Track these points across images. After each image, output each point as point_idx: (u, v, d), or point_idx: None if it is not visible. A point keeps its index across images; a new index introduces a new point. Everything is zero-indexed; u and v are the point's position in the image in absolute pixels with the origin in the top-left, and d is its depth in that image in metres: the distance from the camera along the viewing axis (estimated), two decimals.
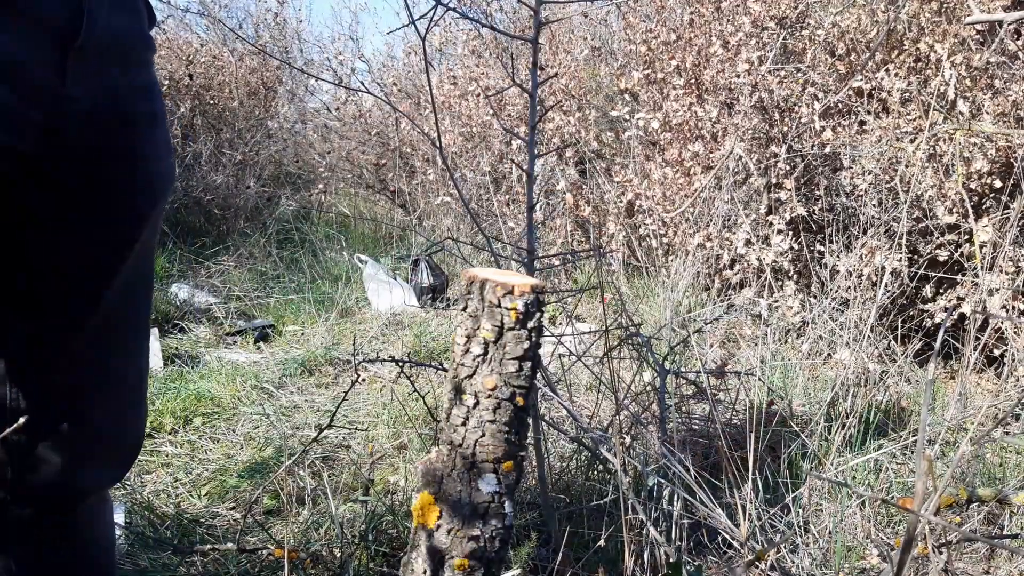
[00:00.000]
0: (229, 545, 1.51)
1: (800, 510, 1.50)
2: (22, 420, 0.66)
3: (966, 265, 2.70)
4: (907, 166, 2.69)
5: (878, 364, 2.32)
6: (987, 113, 2.60)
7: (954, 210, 2.65)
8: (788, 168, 2.99)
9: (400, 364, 1.57)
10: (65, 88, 0.74)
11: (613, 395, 1.59)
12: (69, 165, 0.76)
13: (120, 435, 0.91)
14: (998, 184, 2.63)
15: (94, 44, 0.75)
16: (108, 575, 0.99)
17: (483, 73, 4.46)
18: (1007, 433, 2.11)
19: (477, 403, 0.57)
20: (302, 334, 3.16)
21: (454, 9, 1.42)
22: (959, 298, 2.70)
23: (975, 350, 2.06)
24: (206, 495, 1.83)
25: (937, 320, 2.74)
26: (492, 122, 4.24)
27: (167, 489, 1.86)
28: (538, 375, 0.70)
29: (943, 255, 2.74)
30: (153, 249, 0.92)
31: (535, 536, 1.43)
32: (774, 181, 2.99)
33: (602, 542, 1.33)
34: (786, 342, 2.84)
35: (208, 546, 1.56)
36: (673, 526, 1.33)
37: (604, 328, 1.61)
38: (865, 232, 2.77)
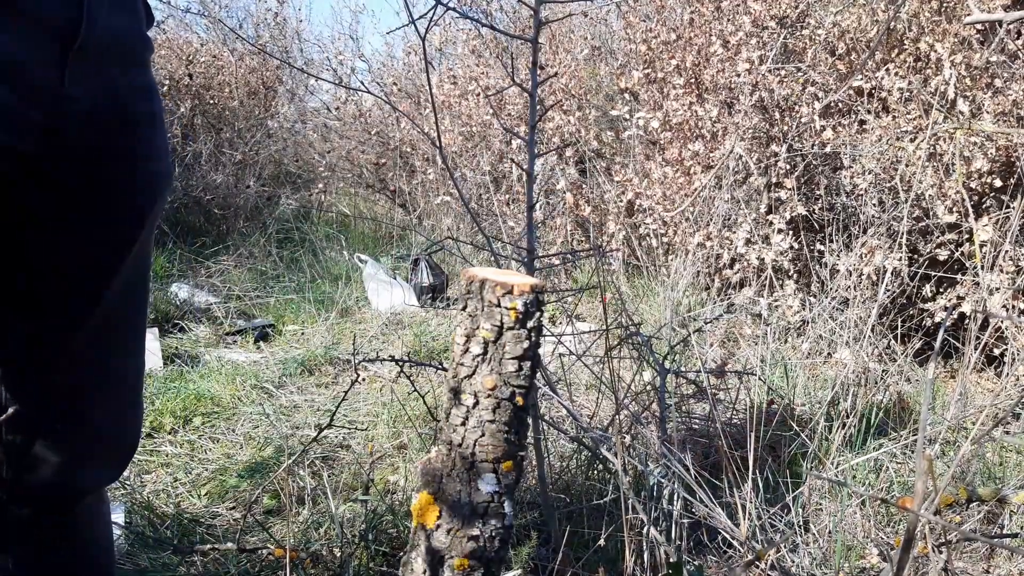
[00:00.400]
0: (229, 545, 1.51)
1: (800, 509, 1.50)
2: (11, 410, 0.66)
3: (967, 264, 2.70)
4: (907, 165, 2.69)
5: (878, 363, 2.32)
6: (987, 112, 2.60)
7: (954, 209, 2.65)
8: (788, 167, 2.99)
9: (400, 364, 1.57)
10: (65, 88, 0.74)
11: (613, 395, 1.59)
12: (69, 165, 0.76)
13: (120, 435, 0.91)
14: (998, 183, 2.63)
15: (94, 44, 0.75)
16: (107, 575, 0.99)
17: (483, 73, 4.46)
18: (1007, 432, 2.11)
19: (477, 403, 0.57)
20: (302, 334, 3.16)
21: (454, 9, 1.42)
22: (959, 297, 2.70)
23: (976, 349, 2.06)
24: (206, 495, 1.83)
25: (937, 319, 2.74)
26: (492, 121, 4.24)
27: (167, 489, 1.86)
28: (538, 375, 0.70)
29: (943, 254, 2.74)
30: (151, 248, 0.92)
31: (535, 536, 1.43)
32: (774, 180, 2.99)
33: (602, 542, 1.33)
34: (786, 341, 2.83)
35: (208, 546, 1.55)
36: (673, 526, 1.33)
37: (604, 328, 1.61)
38: (865, 231, 2.77)
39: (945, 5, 2.83)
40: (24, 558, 0.88)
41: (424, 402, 1.66)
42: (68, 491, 0.87)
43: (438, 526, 0.58)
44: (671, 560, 1.20)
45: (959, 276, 2.71)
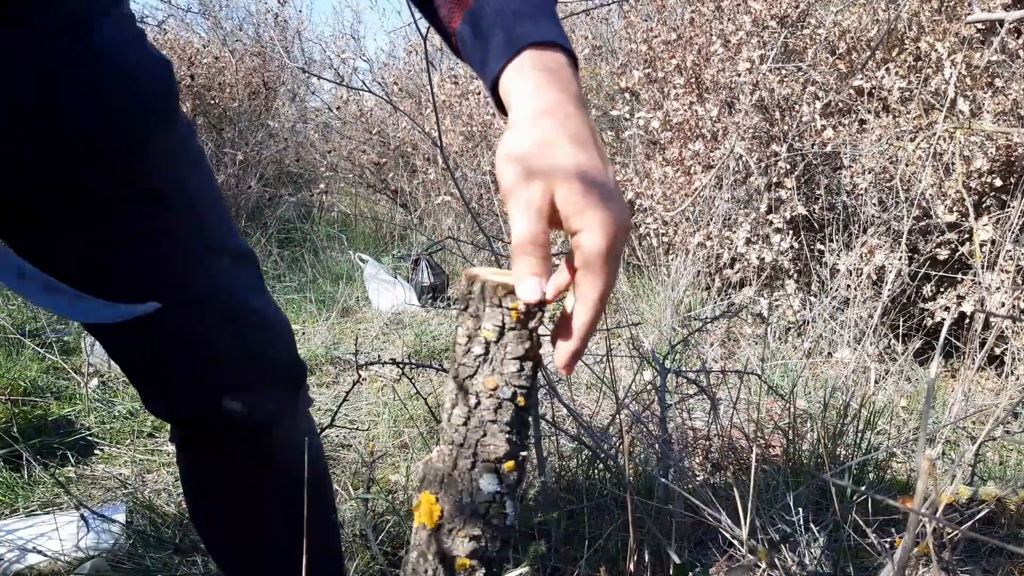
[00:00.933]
0: None
1: (800, 509, 1.50)
2: (151, 306, 0.64)
3: (970, 261, 2.70)
4: (907, 165, 2.69)
5: (879, 363, 2.32)
6: (987, 112, 2.60)
7: (954, 209, 2.66)
8: (788, 167, 2.99)
9: (401, 367, 1.57)
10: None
11: (613, 394, 1.59)
12: (69, 165, 0.76)
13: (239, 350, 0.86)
14: (998, 183, 2.63)
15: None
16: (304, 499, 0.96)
17: None
18: (1007, 432, 2.11)
19: (478, 403, 0.57)
20: (303, 333, 3.16)
21: None
22: (959, 297, 2.70)
23: (980, 348, 2.06)
24: None
25: (937, 319, 2.74)
26: (493, 121, 4.24)
27: (168, 488, 1.86)
28: (539, 374, 0.70)
29: (943, 254, 2.74)
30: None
31: (538, 536, 1.43)
32: (774, 180, 3.00)
33: (603, 541, 1.33)
34: (786, 341, 2.84)
35: None
36: (674, 525, 1.33)
37: (605, 327, 1.61)
38: (865, 231, 2.78)
39: (945, 4, 2.83)
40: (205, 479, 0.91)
41: (426, 403, 1.66)
42: (228, 419, 0.85)
43: (439, 526, 0.59)
44: (677, 563, 1.20)
45: (959, 276, 2.72)
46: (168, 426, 2.09)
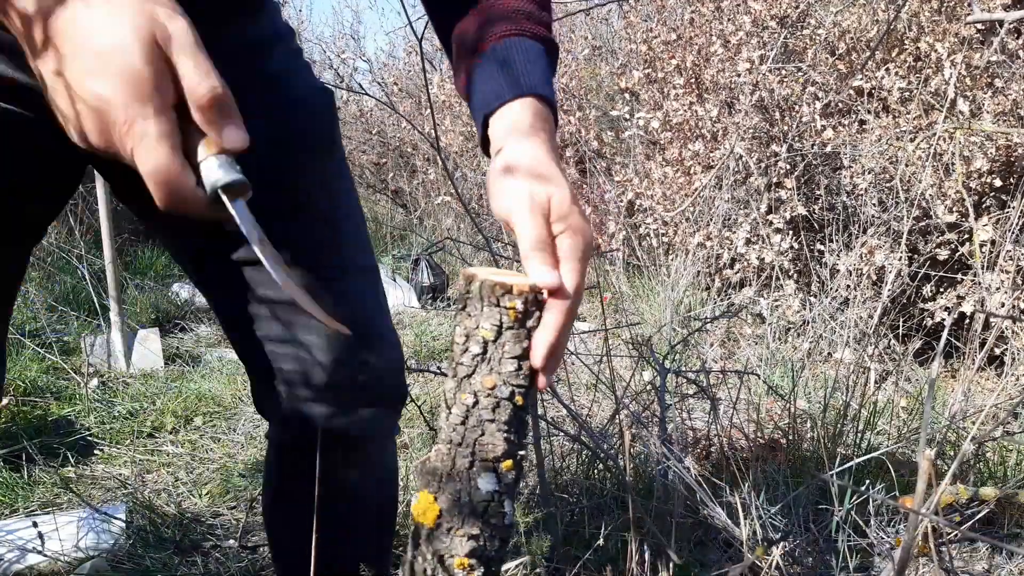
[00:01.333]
0: (231, 543, 1.51)
1: (800, 509, 1.50)
2: None
3: (970, 262, 2.70)
4: (907, 165, 2.69)
5: (879, 363, 2.32)
6: (987, 112, 2.60)
7: (954, 209, 2.65)
8: (788, 167, 2.99)
9: None
10: None
11: (613, 394, 1.59)
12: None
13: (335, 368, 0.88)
14: (998, 183, 2.63)
15: None
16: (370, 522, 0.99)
17: None
18: (1008, 433, 2.11)
19: (476, 402, 0.57)
20: None
21: None
22: (959, 297, 2.70)
23: (980, 348, 2.06)
24: (207, 494, 1.84)
25: (937, 319, 2.74)
26: None
27: (168, 488, 1.86)
28: None
29: (943, 254, 2.74)
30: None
31: (544, 535, 1.43)
32: (774, 180, 2.99)
33: (602, 540, 1.33)
34: (786, 341, 2.84)
35: (210, 543, 1.56)
36: (674, 525, 1.33)
37: (604, 327, 1.61)
38: (865, 231, 2.78)
39: (945, 4, 2.83)
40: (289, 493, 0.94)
41: (420, 411, 1.66)
42: (313, 430, 0.87)
43: (438, 525, 0.59)
44: (676, 563, 1.20)
45: (959, 276, 2.72)
46: (168, 426, 2.08)
